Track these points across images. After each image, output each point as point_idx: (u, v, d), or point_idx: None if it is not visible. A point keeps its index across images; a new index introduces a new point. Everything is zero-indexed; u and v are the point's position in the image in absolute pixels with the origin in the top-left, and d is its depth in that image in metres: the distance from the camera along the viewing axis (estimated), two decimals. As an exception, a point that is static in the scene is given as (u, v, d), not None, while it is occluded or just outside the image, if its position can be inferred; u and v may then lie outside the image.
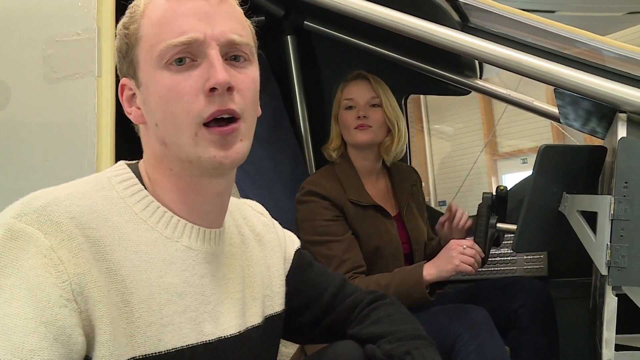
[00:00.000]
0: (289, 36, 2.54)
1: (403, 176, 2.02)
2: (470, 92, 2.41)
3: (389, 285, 1.63)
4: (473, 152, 9.65)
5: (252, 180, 2.06)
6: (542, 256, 2.24)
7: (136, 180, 0.84)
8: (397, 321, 1.00)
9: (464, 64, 2.30)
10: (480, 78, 2.36)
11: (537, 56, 1.48)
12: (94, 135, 1.47)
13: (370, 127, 1.86)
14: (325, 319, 1.06)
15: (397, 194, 1.96)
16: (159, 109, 0.80)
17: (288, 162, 2.39)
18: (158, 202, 0.83)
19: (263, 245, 1.02)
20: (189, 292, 0.82)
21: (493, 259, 2.29)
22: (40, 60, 1.55)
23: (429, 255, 1.95)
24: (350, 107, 1.90)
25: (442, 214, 1.93)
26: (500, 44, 1.51)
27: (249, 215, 1.04)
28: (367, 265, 1.77)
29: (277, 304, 1.01)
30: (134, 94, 0.85)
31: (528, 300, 1.76)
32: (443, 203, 9.38)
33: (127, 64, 0.84)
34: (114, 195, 0.81)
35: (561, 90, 1.48)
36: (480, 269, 2.17)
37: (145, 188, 0.84)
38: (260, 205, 1.11)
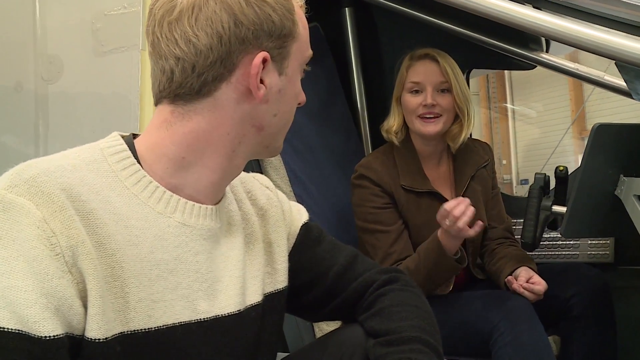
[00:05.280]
0: (346, 8, 2.47)
1: (469, 157, 1.86)
2: (536, 66, 2.27)
3: (419, 267, 1.57)
4: (559, 129, 9.20)
5: (301, 158, 2.01)
6: (608, 241, 2.09)
7: (129, 153, 0.83)
8: (399, 314, 0.95)
9: (529, 37, 2.15)
10: (547, 51, 2.21)
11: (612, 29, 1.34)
12: (137, 108, 1.51)
13: (438, 116, 1.73)
14: (333, 300, 1.03)
15: (457, 178, 1.83)
16: (289, 103, 0.89)
17: (341, 139, 2.32)
18: (151, 177, 0.82)
19: (266, 221, 1.00)
20: (181, 269, 0.81)
21: (554, 242, 2.16)
22: (90, 34, 1.60)
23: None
24: (416, 91, 1.76)
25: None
26: (571, 16, 1.38)
27: (253, 189, 1.02)
28: None
29: (279, 281, 0.98)
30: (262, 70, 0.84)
31: (582, 288, 1.65)
32: (525, 182, 9.04)
33: (275, 43, 0.83)
34: (105, 168, 0.80)
35: (622, 63, 1.35)
36: (538, 253, 2.05)
37: (139, 162, 0.83)
38: (267, 179, 1.08)
